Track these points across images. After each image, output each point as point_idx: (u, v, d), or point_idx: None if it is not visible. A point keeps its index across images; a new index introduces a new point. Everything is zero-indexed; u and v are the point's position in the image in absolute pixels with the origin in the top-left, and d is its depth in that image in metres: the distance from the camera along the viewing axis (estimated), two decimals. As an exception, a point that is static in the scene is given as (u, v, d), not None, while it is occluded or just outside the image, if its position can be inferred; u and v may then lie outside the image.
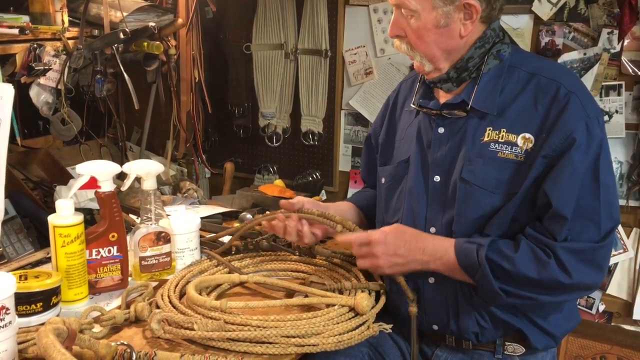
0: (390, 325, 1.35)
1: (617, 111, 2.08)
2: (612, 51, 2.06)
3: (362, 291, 1.45)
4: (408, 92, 1.62)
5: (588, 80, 2.09)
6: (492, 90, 1.39)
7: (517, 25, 2.16)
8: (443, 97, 1.46)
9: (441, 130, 1.44)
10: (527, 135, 1.34)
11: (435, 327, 1.47)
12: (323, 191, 2.57)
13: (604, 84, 2.09)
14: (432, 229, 1.43)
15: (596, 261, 1.31)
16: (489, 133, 1.37)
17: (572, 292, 1.36)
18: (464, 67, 1.39)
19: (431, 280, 1.44)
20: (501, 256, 1.31)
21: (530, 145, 1.34)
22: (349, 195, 2.44)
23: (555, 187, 1.29)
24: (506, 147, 1.35)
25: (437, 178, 1.43)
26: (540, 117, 1.34)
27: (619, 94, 2.08)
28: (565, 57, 2.12)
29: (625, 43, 2.04)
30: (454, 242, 1.37)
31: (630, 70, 2.06)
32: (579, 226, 1.30)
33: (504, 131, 1.36)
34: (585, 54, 2.10)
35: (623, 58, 2.06)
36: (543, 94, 1.35)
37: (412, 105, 1.53)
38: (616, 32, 2.03)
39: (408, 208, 1.48)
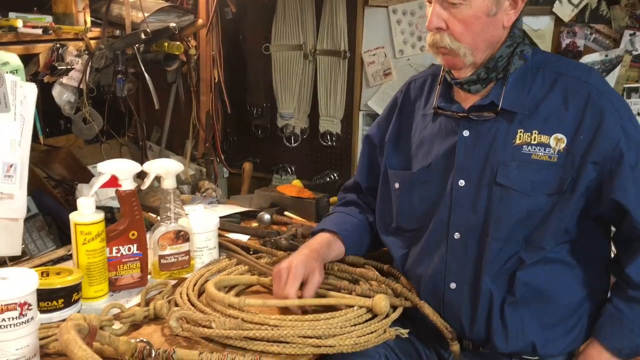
0: (407, 330, 1.34)
1: (638, 114, 2.06)
2: (634, 53, 2.04)
3: (380, 291, 1.44)
4: (418, 93, 1.58)
5: (609, 82, 2.07)
6: (520, 91, 1.38)
7: (538, 26, 2.14)
8: (467, 99, 1.44)
9: (466, 133, 1.42)
10: (560, 135, 1.33)
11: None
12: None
13: (625, 86, 2.07)
14: (457, 235, 1.41)
15: None
16: (520, 135, 1.36)
17: None
18: (493, 67, 1.38)
19: (452, 285, 1.42)
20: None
21: (563, 145, 1.33)
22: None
23: (626, 195, 1.30)
24: (539, 149, 1.34)
25: (461, 182, 1.41)
26: (572, 118, 1.33)
27: (641, 96, 2.06)
28: (586, 59, 2.10)
29: (648, 45, 2.02)
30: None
31: (653, 72, 2.04)
32: None
33: (535, 133, 1.35)
34: (606, 55, 2.08)
35: (645, 60, 2.04)
36: (572, 94, 1.34)
37: (432, 109, 1.51)
38: (639, 33, 2.00)
39: (429, 213, 1.46)
